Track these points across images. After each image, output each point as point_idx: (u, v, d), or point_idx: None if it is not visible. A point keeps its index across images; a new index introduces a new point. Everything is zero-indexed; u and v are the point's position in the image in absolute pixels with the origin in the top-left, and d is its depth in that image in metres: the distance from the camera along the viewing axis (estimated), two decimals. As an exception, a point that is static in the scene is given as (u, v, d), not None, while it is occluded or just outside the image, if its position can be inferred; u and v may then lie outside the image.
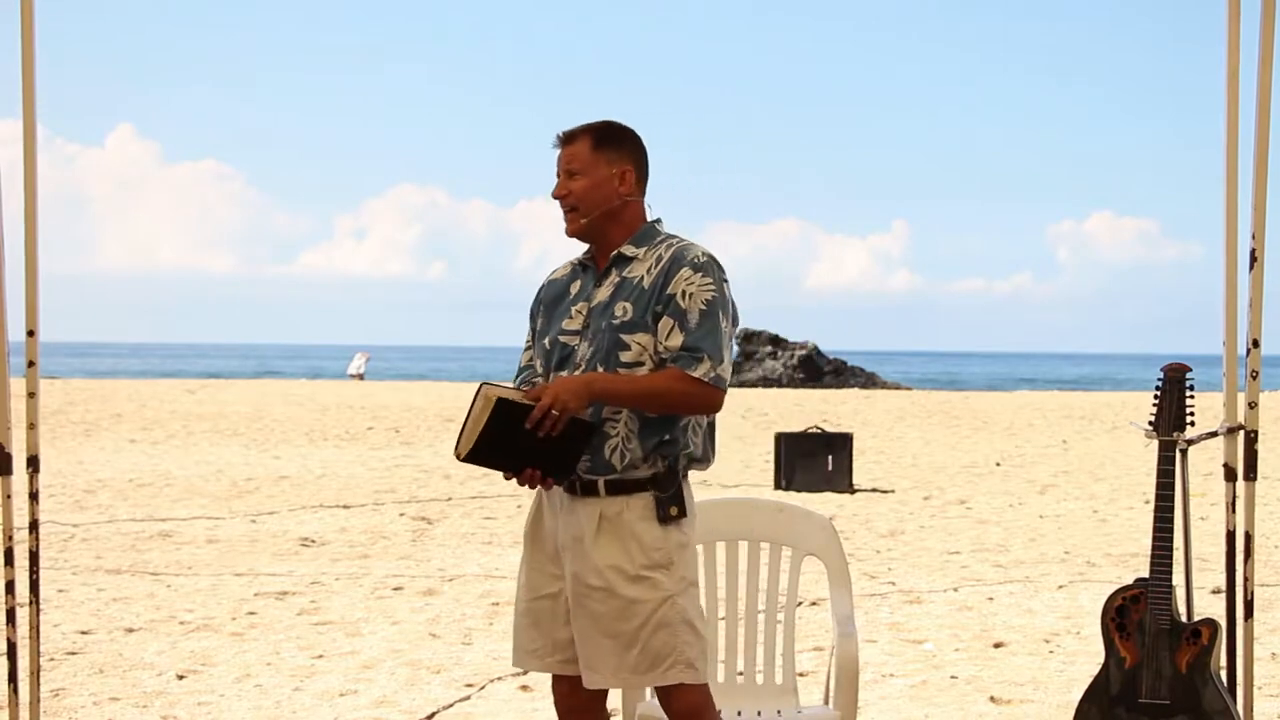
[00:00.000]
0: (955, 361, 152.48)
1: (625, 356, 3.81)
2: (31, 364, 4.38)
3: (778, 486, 14.86)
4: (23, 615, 4.35)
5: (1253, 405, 4.53)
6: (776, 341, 54.21)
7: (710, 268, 3.85)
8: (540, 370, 4.00)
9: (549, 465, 3.77)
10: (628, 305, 3.84)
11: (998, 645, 7.32)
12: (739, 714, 4.50)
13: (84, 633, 7.51)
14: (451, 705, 6.14)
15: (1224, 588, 4.80)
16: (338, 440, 20.84)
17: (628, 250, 3.92)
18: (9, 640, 4.37)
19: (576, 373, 3.83)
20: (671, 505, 3.83)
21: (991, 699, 6.25)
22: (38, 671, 4.35)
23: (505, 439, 3.69)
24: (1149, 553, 4.68)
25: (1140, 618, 4.66)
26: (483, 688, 6.44)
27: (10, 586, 4.35)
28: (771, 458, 15.66)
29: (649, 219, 3.99)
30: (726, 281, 3.89)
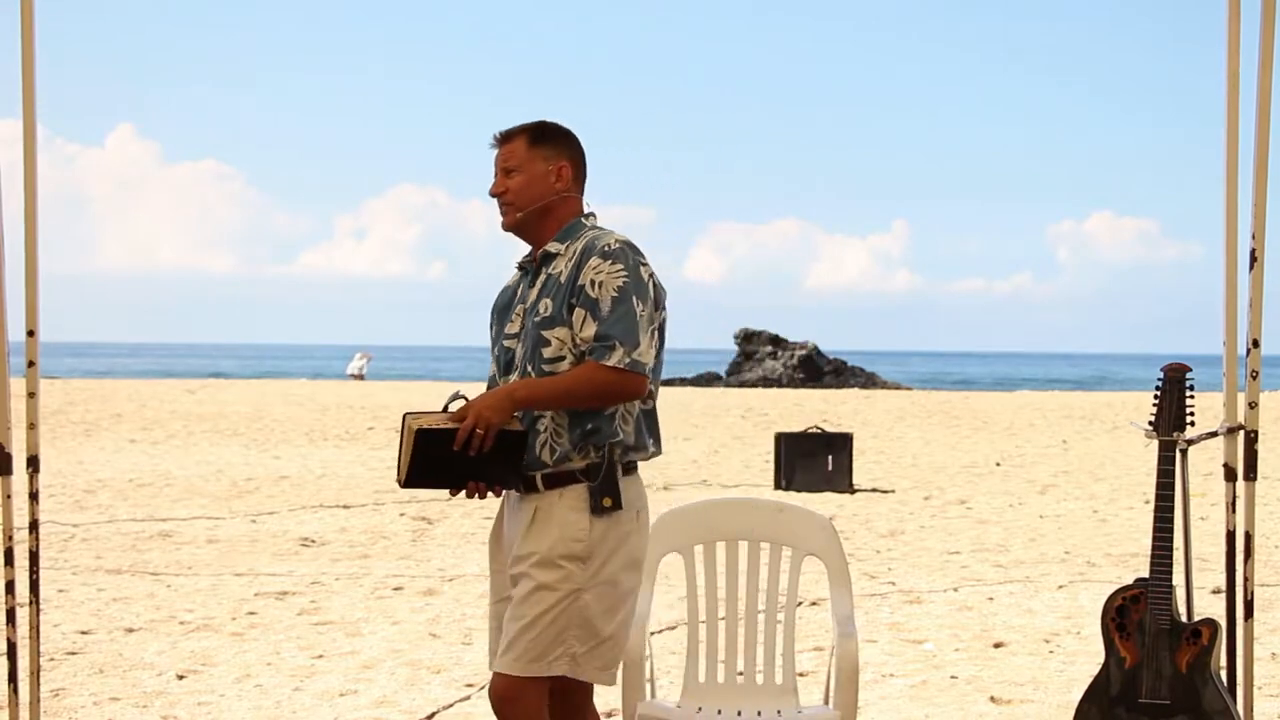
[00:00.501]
0: (955, 361, 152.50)
1: (546, 352, 3.84)
2: (31, 364, 4.38)
3: (778, 486, 14.86)
4: (23, 615, 4.35)
5: (1253, 405, 4.53)
6: (776, 341, 54.23)
7: (621, 254, 3.84)
8: (491, 379, 4.05)
9: (494, 477, 3.82)
10: (549, 301, 3.87)
11: (998, 645, 7.32)
12: (739, 714, 4.50)
13: (84, 633, 7.51)
14: (452, 705, 6.14)
15: (1224, 588, 4.80)
16: (338, 440, 20.84)
17: (553, 247, 3.95)
18: (9, 640, 4.37)
19: (515, 375, 3.88)
20: (604, 496, 3.83)
21: (992, 699, 6.24)
22: (38, 671, 4.35)
23: (439, 463, 3.74)
24: (1149, 553, 4.68)
25: (1140, 618, 4.65)
26: (483, 688, 6.43)
27: (10, 586, 4.35)
28: (771, 458, 15.66)
29: (584, 214, 4.02)
30: (644, 264, 3.88)
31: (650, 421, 4.00)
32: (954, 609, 8.31)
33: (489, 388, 4.03)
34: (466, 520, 12.13)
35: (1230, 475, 4.60)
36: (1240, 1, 4.54)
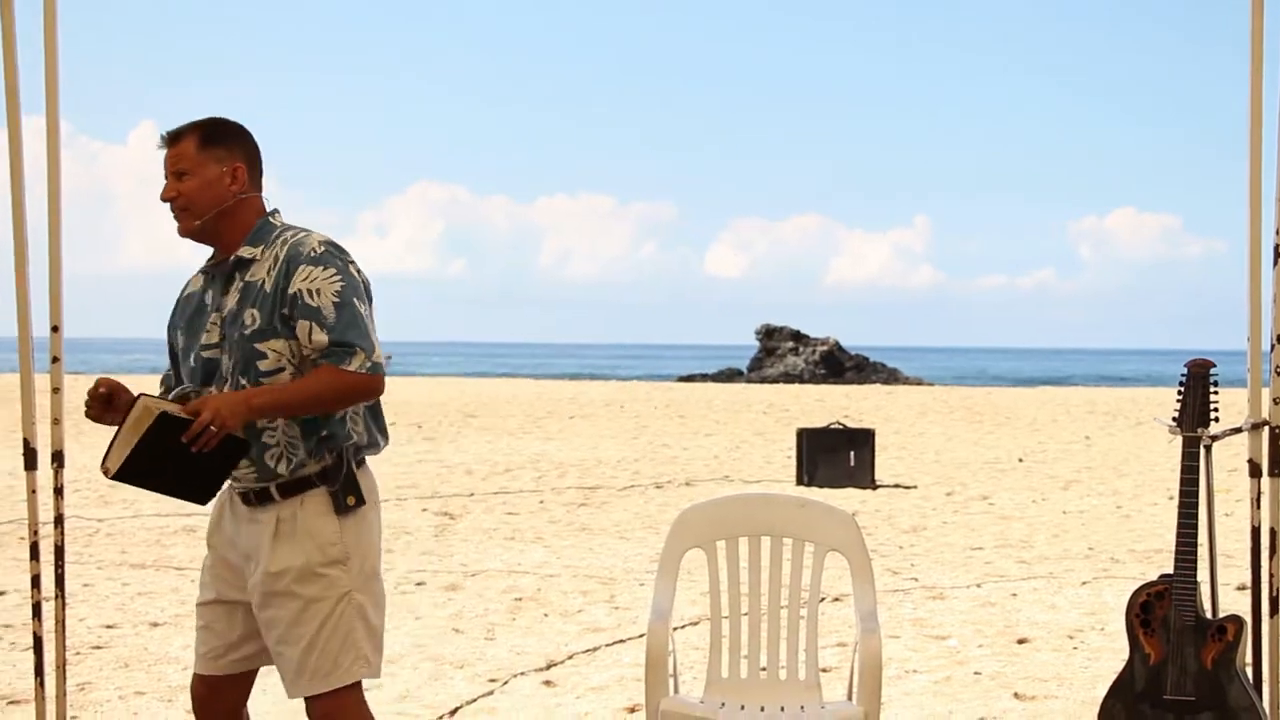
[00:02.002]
0: (978, 357, 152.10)
1: (263, 365, 3.72)
2: (56, 360, 4.39)
3: (799, 482, 14.84)
4: (48, 609, 4.37)
5: (1277, 401, 4.51)
6: (798, 337, 54.21)
7: (328, 257, 3.75)
8: (189, 390, 3.88)
9: (193, 485, 3.71)
10: (255, 312, 3.73)
11: (1021, 641, 7.30)
12: (762, 709, 4.49)
13: (109, 627, 7.54)
14: (474, 700, 6.15)
15: (1249, 584, 4.78)
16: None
17: (245, 252, 3.80)
18: (35, 634, 4.38)
19: (225, 387, 3.75)
20: (347, 495, 3.79)
21: (1015, 695, 6.23)
22: (63, 665, 4.37)
23: (159, 455, 3.61)
24: (1173, 549, 4.67)
25: (1165, 614, 4.64)
26: (505, 683, 6.45)
27: (36, 581, 4.37)
28: (793, 454, 15.64)
29: (267, 211, 3.90)
30: (352, 263, 3.79)
31: (376, 417, 3.93)
32: (977, 605, 8.30)
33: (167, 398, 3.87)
34: (489, 516, 12.14)
35: (1255, 471, 4.58)
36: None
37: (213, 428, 3.54)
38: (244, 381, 3.71)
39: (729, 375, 53.10)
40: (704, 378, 52.27)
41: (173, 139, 3.80)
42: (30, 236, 4.32)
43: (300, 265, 3.70)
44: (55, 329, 4.39)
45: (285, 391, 3.66)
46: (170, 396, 3.89)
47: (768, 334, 54.94)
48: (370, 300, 3.82)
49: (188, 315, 3.91)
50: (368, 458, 3.90)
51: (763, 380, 49.47)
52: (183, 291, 3.99)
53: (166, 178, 3.80)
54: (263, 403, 3.63)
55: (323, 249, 3.74)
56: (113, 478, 3.64)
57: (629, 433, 21.72)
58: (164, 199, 3.80)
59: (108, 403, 3.76)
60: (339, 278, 3.71)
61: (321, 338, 3.67)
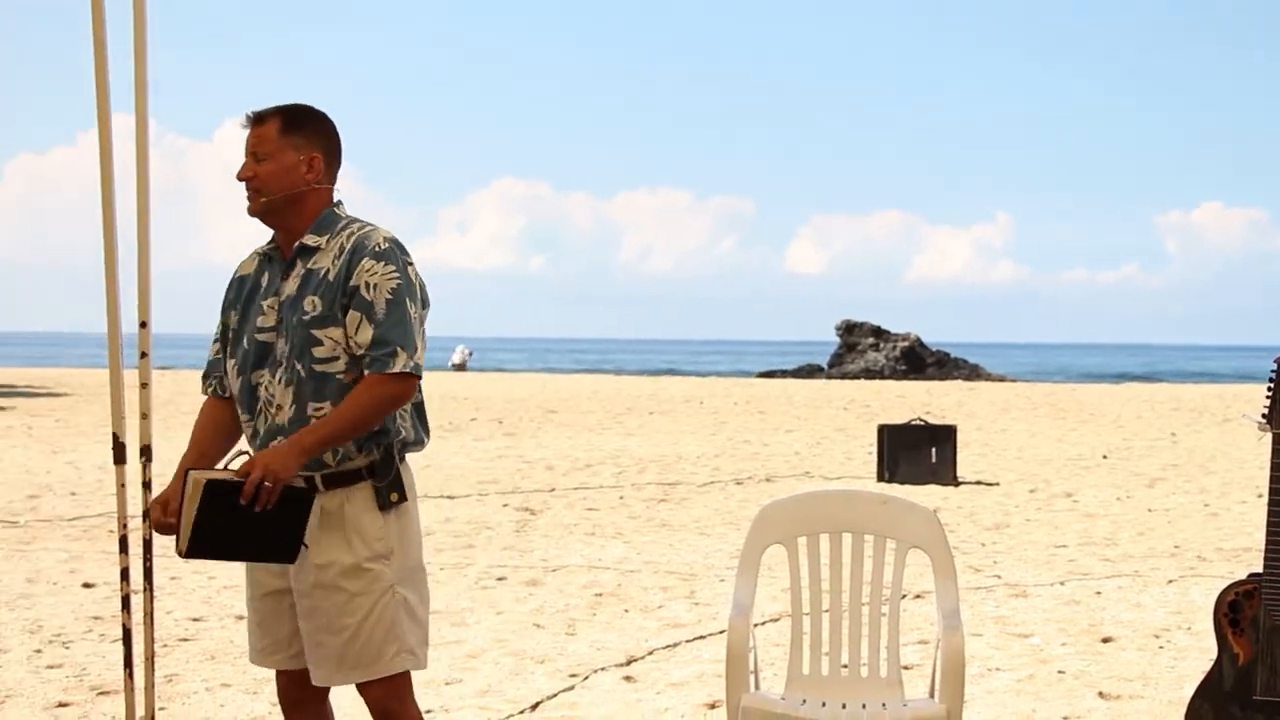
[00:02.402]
0: (1060, 353, 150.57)
1: (319, 352, 3.77)
2: (144, 355, 4.44)
3: (880, 479, 14.77)
4: (137, 602, 4.42)
5: (1371, 397, 4.42)
6: (879, 333, 53.93)
7: (392, 254, 3.79)
8: (236, 371, 3.92)
9: (273, 546, 3.68)
10: (316, 299, 3.78)
11: (1106, 640, 7.23)
12: (843, 706, 4.48)
13: (196, 620, 7.63)
14: (555, 695, 6.17)
15: (1341, 583, 4.69)
16: (441, 431, 20.99)
17: (310, 240, 3.85)
18: (124, 626, 4.44)
19: (279, 371, 3.80)
20: (391, 492, 3.82)
21: (1100, 694, 6.17)
22: (152, 657, 4.41)
23: (223, 523, 3.59)
24: (1262, 547, 4.60)
25: (1254, 613, 4.57)
26: (586, 678, 6.46)
27: (125, 573, 4.42)
28: (874, 450, 15.56)
29: (333, 203, 3.93)
30: (411, 264, 3.84)
31: (420, 414, 3.97)
32: (1061, 603, 8.22)
33: (235, 382, 3.93)
34: (569, 511, 12.18)
35: (1347, 468, 4.49)
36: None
37: (267, 484, 3.59)
38: (298, 366, 3.77)
39: (809, 371, 52.92)
40: (784, 374, 52.12)
41: (256, 120, 3.87)
42: (119, 233, 4.37)
43: (364, 258, 3.77)
44: (144, 325, 4.44)
45: (331, 425, 3.71)
46: (209, 379, 4.00)
47: (848, 330, 54.68)
48: (426, 304, 3.88)
49: (243, 297, 3.97)
50: (409, 455, 3.94)
51: (843, 376, 49.26)
52: (236, 273, 4.04)
53: (245, 157, 3.86)
54: (313, 442, 3.69)
55: (387, 245, 3.80)
56: (185, 556, 3.65)
57: (709, 429, 21.70)
58: (240, 178, 3.87)
59: (165, 508, 3.85)
60: (397, 276, 3.77)
61: (368, 332, 3.73)
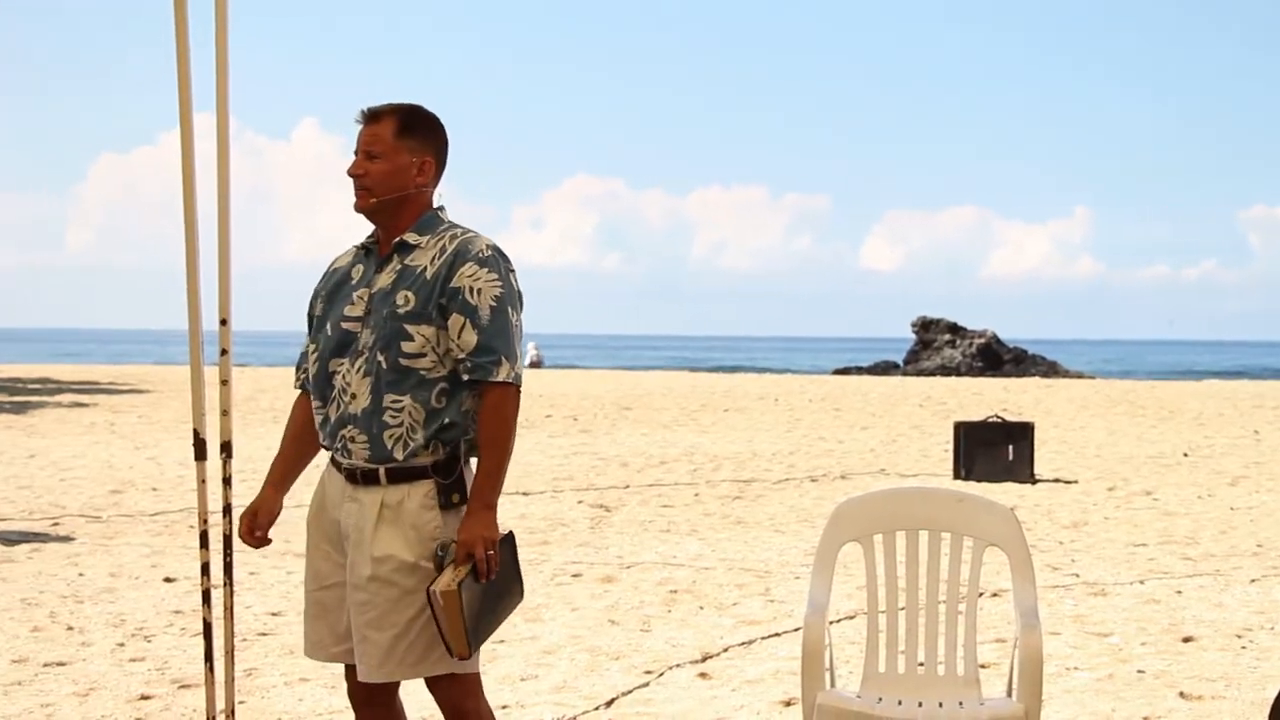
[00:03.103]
0: (1140, 350, 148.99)
1: (408, 347, 3.78)
2: (224, 352, 4.49)
3: (957, 476, 14.68)
4: (217, 596, 4.47)
5: None
6: (955, 330, 53.54)
7: (495, 262, 3.82)
8: (315, 357, 3.95)
9: (511, 590, 3.92)
10: (410, 294, 3.79)
11: (1187, 640, 7.14)
12: (920, 705, 4.45)
13: (274, 614, 7.70)
14: (630, 692, 6.18)
15: None
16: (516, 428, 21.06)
17: (410, 238, 3.87)
18: (205, 620, 4.49)
19: (359, 361, 3.82)
20: (453, 492, 3.83)
21: (1181, 694, 6.10)
22: (232, 651, 4.46)
23: (478, 609, 3.75)
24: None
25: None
26: (661, 675, 6.47)
27: (205, 568, 4.48)
28: (950, 447, 15.47)
29: (435, 206, 3.96)
30: (513, 273, 3.87)
31: None
32: (1140, 602, 8.13)
33: (311, 367, 3.97)
34: (644, 508, 12.19)
35: None
36: None
37: (490, 553, 3.73)
38: (381, 358, 3.79)
39: (884, 368, 52.64)
40: (859, 370, 51.89)
41: (372, 117, 3.90)
42: (200, 232, 4.42)
43: (467, 262, 3.80)
44: (224, 322, 4.48)
45: (491, 467, 3.79)
46: (299, 374, 4.05)
47: (924, 326, 54.33)
48: (521, 311, 3.91)
49: (331, 285, 4.01)
50: (474, 457, 3.96)
51: (919, 373, 48.97)
52: (331, 264, 4.09)
53: (357, 154, 3.89)
54: (490, 493, 3.79)
55: (490, 252, 3.84)
56: (472, 653, 3.80)
57: (783, 426, 21.65)
58: (351, 174, 3.90)
59: (253, 519, 4.02)
60: (500, 284, 3.81)
61: (472, 337, 3.76)
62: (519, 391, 3.85)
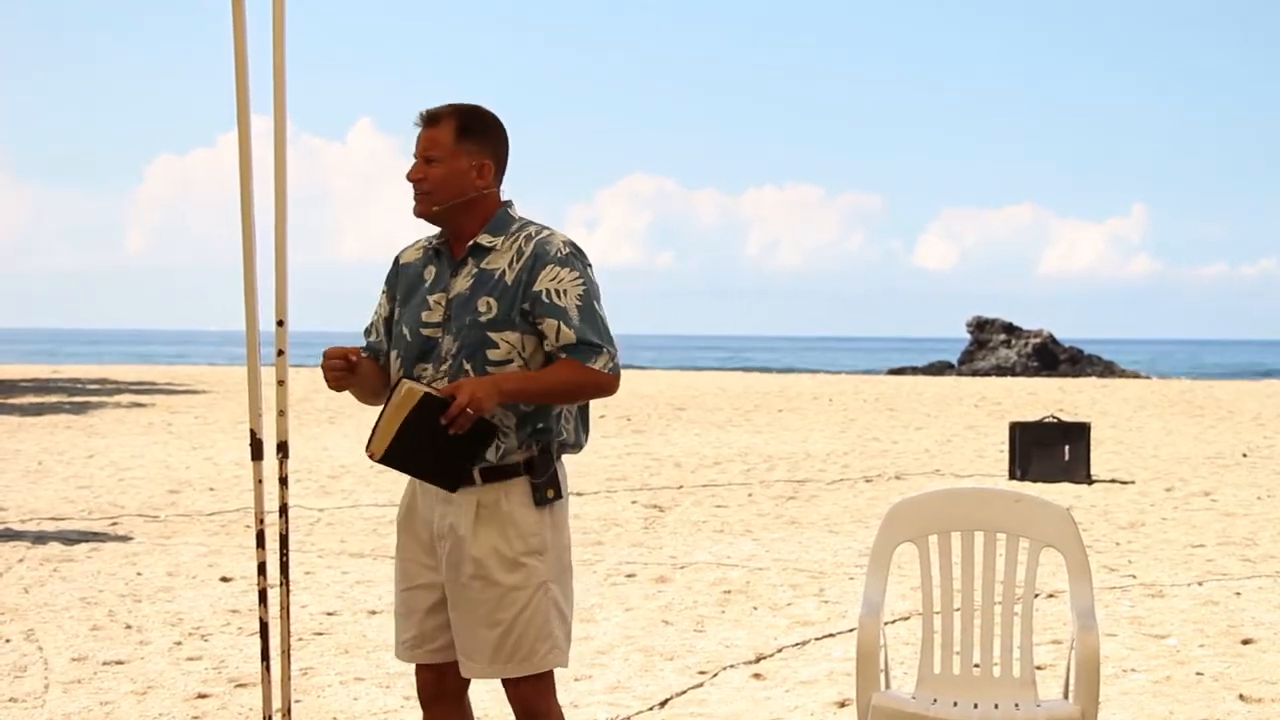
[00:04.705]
0: (1198, 349, 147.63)
1: (494, 355, 3.79)
2: (281, 353, 4.51)
3: (1012, 477, 14.59)
4: (273, 596, 4.49)
5: None
6: (1010, 329, 53.22)
7: (573, 259, 3.83)
8: (398, 364, 3.94)
9: (447, 470, 3.80)
10: (491, 301, 3.79)
11: (1246, 642, 7.07)
12: (975, 706, 4.43)
13: (330, 614, 7.75)
14: (684, 692, 6.18)
15: None
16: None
17: (484, 240, 3.86)
18: (261, 620, 4.52)
19: (443, 367, 3.82)
20: (548, 488, 3.85)
21: (1241, 697, 6.04)
22: (288, 650, 4.49)
23: (419, 437, 3.72)
24: None
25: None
26: (715, 675, 6.46)
27: (262, 568, 4.50)
28: (1006, 448, 15.37)
29: (503, 201, 3.94)
30: (590, 266, 3.88)
31: (585, 418, 4.00)
32: (1198, 604, 8.06)
33: (395, 374, 3.94)
34: (697, 509, 12.18)
35: None
36: None
37: (469, 410, 3.66)
38: (468, 367, 3.81)
39: (939, 368, 52.36)
40: (913, 370, 51.63)
41: (430, 120, 3.89)
42: (257, 233, 4.45)
43: (547, 264, 3.81)
44: (280, 323, 4.50)
45: (531, 379, 3.79)
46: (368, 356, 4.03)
47: (979, 326, 54.02)
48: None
49: (404, 286, 4.00)
50: (565, 456, 3.99)
51: (974, 373, 48.69)
52: (399, 258, 4.07)
53: (416, 157, 3.89)
54: (511, 388, 3.76)
55: (568, 250, 3.85)
56: (379, 460, 3.81)
57: (838, 426, 21.58)
58: (409, 179, 3.90)
59: (350, 369, 3.92)
60: (581, 281, 3.84)
61: (569, 334, 3.79)
62: (614, 381, 3.86)
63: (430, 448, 3.77)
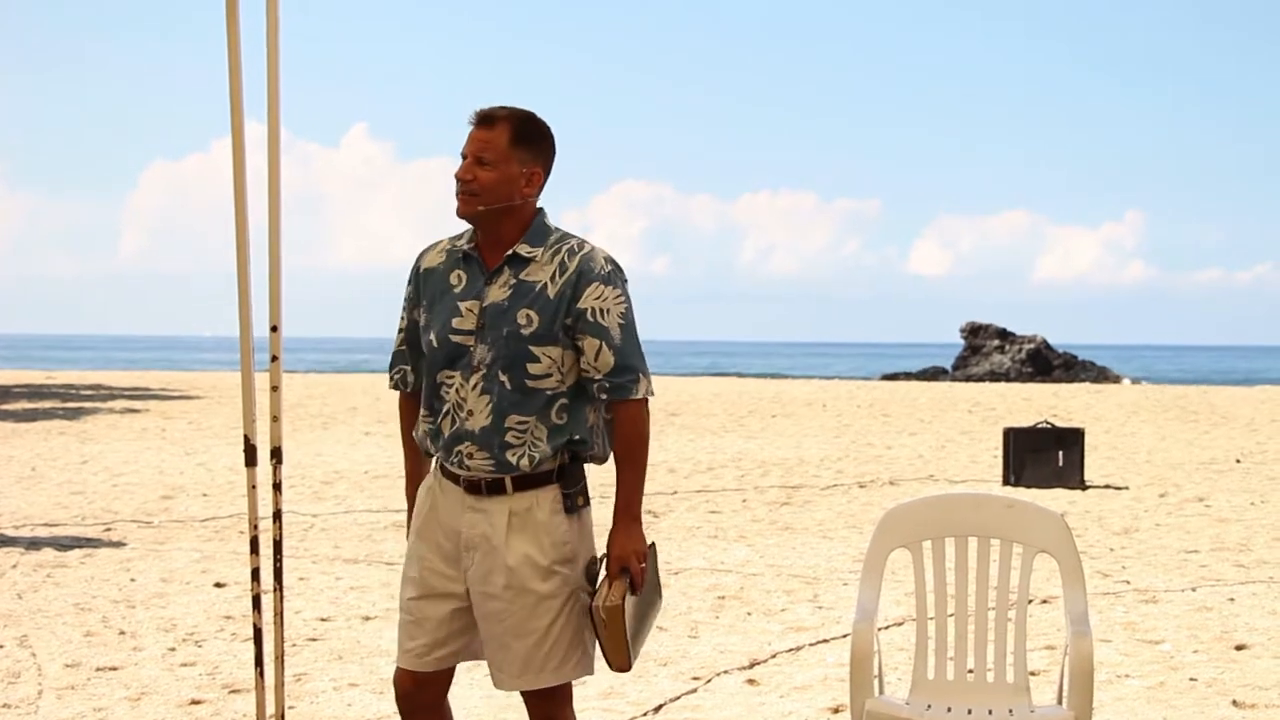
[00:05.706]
0: (1192, 355, 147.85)
1: (534, 369, 3.77)
2: (275, 358, 4.51)
3: (1006, 482, 14.59)
4: (267, 602, 4.49)
5: None
6: (1004, 335, 53.34)
7: (615, 277, 3.84)
8: (426, 369, 3.92)
9: (654, 593, 4.03)
10: (532, 314, 3.76)
11: (1240, 647, 7.08)
12: (969, 712, 4.43)
13: (324, 620, 7.74)
14: (678, 698, 6.18)
15: None
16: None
17: (524, 250, 3.82)
18: (255, 626, 4.52)
19: (474, 377, 3.79)
20: (578, 496, 3.87)
21: (1234, 703, 6.05)
22: (282, 656, 4.49)
23: (634, 621, 3.86)
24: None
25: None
26: (709, 681, 6.46)
27: (256, 574, 4.50)
28: (999, 453, 15.39)
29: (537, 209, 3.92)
30: (627, 282, 3.89)
31: (609, 430, 3.99)
32: (1192, 609, 8.07)
33: (425, 378, 3.93)
34: (691, 514, 12.18)
35: None
36: None
37: (641, 566, 3.83)
38: (504, 378, 3.77)
39: (933, 374, 52.44)
40: (907, 376, 51.68)
41: (485, 121, 3.84)
42: (251, 239, 4.45)
43: (592, 282, 3.79)
44: (274, 329, 4.51)
45: (632, 480, 3.87)
46: (392, 374, 4.08)
47: (973, 332, 54.13)
48: None
49: (431, 292, 3.94)
50: (589, 467, 3.99)
51: (968, 379, 48.76)
52: (420, 264, 3.99)
53: (466, 156, 3.83)
54: (637, 506, 3.87)
55: (610, 267, 3.85)
56: (631, 665, 3.90)
57: (832, 431, 21.58)
58: (458, 177, 3.84)
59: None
60: (623, 299, 3.84)
61: (609, 358, 3.79)
62: (648, 408, 3.90)
63: (644, 614, 3.95)
